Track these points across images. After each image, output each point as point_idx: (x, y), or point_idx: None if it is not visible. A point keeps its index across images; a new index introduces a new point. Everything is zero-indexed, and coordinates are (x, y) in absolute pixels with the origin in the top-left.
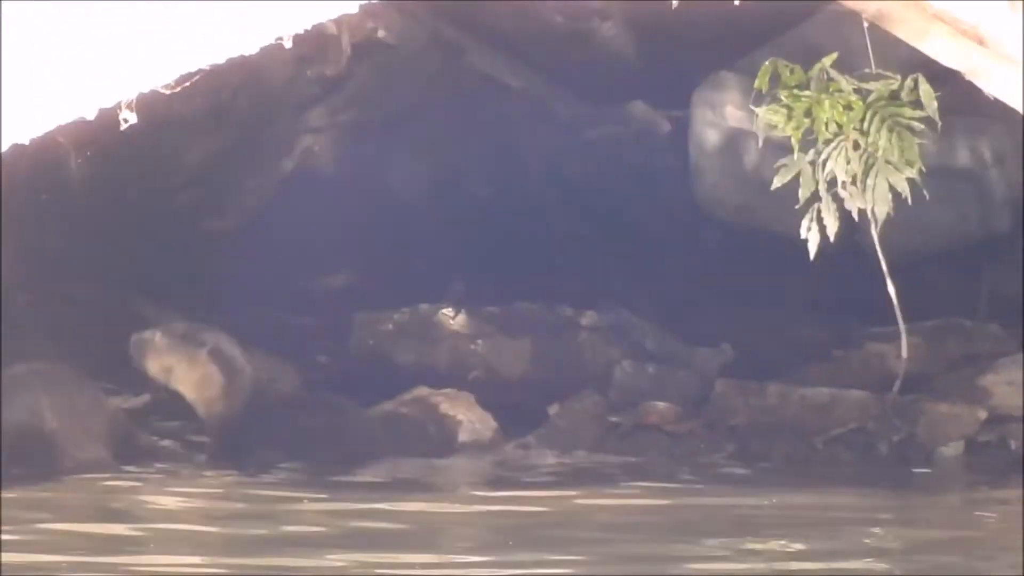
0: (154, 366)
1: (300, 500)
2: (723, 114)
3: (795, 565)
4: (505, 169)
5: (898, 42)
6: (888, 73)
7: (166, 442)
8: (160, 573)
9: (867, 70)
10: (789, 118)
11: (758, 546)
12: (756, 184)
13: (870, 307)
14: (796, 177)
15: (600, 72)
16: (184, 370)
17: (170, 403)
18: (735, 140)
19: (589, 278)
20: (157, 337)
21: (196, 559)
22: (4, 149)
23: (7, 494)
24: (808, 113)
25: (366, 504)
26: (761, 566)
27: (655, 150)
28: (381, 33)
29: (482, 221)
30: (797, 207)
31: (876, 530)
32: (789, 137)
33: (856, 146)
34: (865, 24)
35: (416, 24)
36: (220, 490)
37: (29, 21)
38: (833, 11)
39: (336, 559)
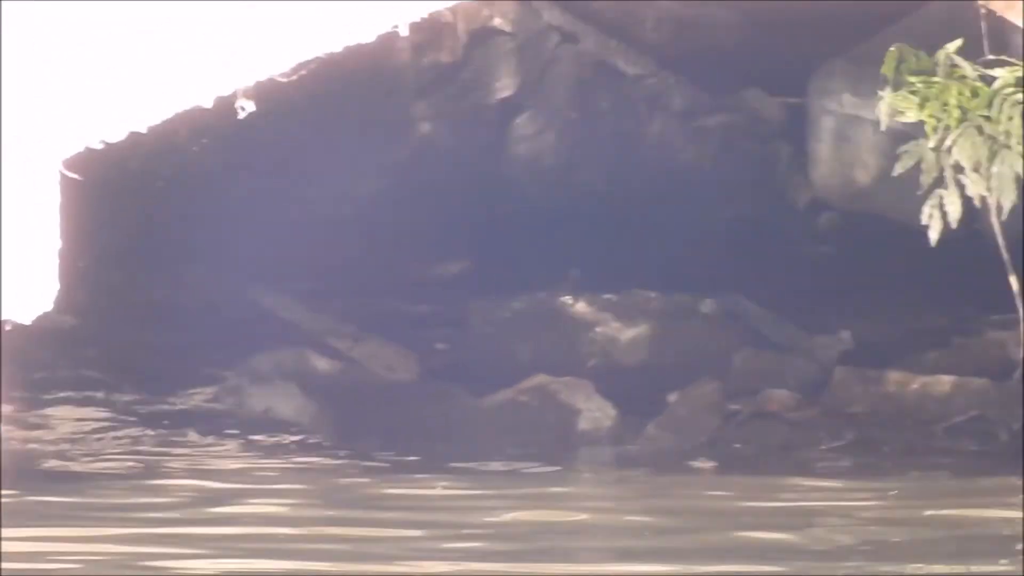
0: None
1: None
2: (839, 101)
3: None
4: (620, 156)
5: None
6: (1012, 60)
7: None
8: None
9: (989, 56)
10: (922, 105)
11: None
12: (873, 171)
13: (990, 295)
14: (917, 164)
15: (714, 59)
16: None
17: None
18: (851, 127)
19: (706, 265)
20: None
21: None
22: (123, 137)
23: None
24: (936, 98)
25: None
26: None
27: (770, 137)
28: (496, 21)
29: (598, 208)
30: (919, 193)
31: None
32: (904, 124)
33: (980, 132)
34: (982, 11)
35: (530, 11)
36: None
37: (145, 12)
38: None
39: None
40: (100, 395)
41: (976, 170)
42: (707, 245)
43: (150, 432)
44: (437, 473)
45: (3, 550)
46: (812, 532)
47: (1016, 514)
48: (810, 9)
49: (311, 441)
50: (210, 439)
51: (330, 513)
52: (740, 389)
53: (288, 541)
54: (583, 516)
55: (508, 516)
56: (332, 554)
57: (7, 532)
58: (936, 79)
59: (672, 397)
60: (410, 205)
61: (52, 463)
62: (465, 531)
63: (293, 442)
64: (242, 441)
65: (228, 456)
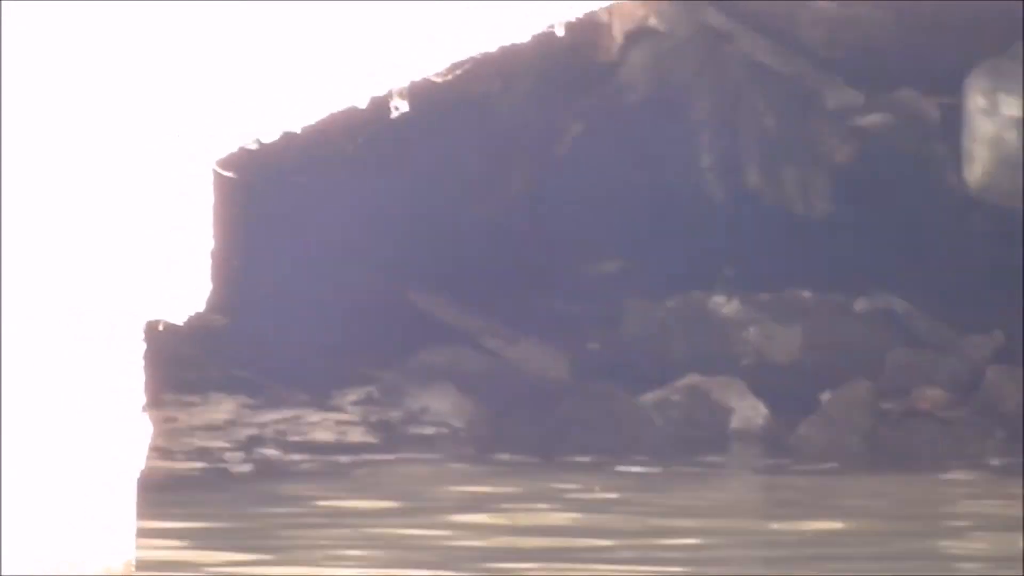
0: None
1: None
2: (996, 101)
3: None
4: (772, 156)
5: None
6: None
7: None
8: None
9: None
10: None
11: None
12: None
13: None
14: None
15: (868, 59)
16: None
17: None
18: (1007, 127)
19: (859, 264)
20: None
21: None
22: (276, 137)
23: None
24: None
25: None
26: None
27: (924, 137)
28: (652, 21)
29: (751, 207)
30: None
31: None
32: None
33: None
34: None
35: (685, 11)
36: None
37: (300, 11)
38: None
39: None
40: (250, 396)
41: None
42: (860, 244)
43: (309, 431)
44: (609, 474)
45: None
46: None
47: None
48: (965, 8)
49: (469, 440)
50: (374, 439)
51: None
52: (893, 388)
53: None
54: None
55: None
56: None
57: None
58: None
59: (825, 396)
60: (563, 204)
61: (242, 465)
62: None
63: (458, 442)
64: (404, 441)
65: (404, 460)
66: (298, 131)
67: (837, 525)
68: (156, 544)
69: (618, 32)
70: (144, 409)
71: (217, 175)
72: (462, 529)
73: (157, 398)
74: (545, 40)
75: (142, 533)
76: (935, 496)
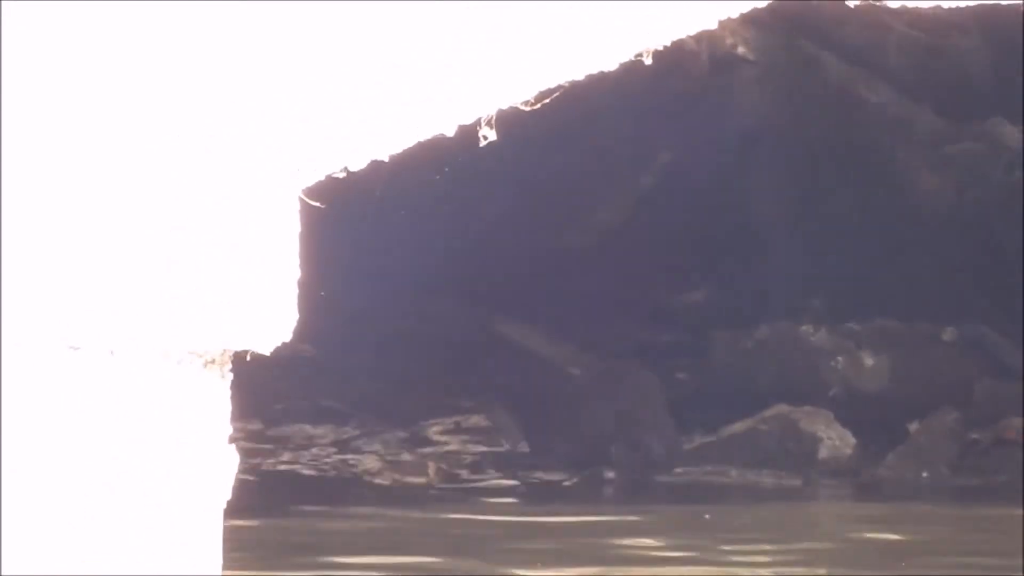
0: None
1: None
2: None
3: None
4: (862, 184)
5: None
6: None
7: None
8: None
9: None
10: None
11: None
12: None
13: None
14: None
15: (957, 87)
16: None
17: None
18: None
19: (949, 293)
20: None
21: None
22: (363, 166)
23: None
24: None
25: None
26: None
27: (1013, 166)
28: (740, 49)
29: (840, 236)
30: None
31: None
32: None
33: None
34: None
35: (774, 39)
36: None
37: (385, 41)
38: None
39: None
40: (341, 425)
41: None
42: (949, 273)
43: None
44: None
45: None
46: None
47: None
48: None
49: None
50: (491, 473)
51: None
52: (980, 418)
53: None
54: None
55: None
56: None
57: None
58: None
59: (913, 426)
60: (652, 233)
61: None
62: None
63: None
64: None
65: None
66: (386, 159)
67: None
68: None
69: (705, 59)
70: (230, 439)
71: (304, 203)
72: None
73: (244, 428)
74: (632, 68)
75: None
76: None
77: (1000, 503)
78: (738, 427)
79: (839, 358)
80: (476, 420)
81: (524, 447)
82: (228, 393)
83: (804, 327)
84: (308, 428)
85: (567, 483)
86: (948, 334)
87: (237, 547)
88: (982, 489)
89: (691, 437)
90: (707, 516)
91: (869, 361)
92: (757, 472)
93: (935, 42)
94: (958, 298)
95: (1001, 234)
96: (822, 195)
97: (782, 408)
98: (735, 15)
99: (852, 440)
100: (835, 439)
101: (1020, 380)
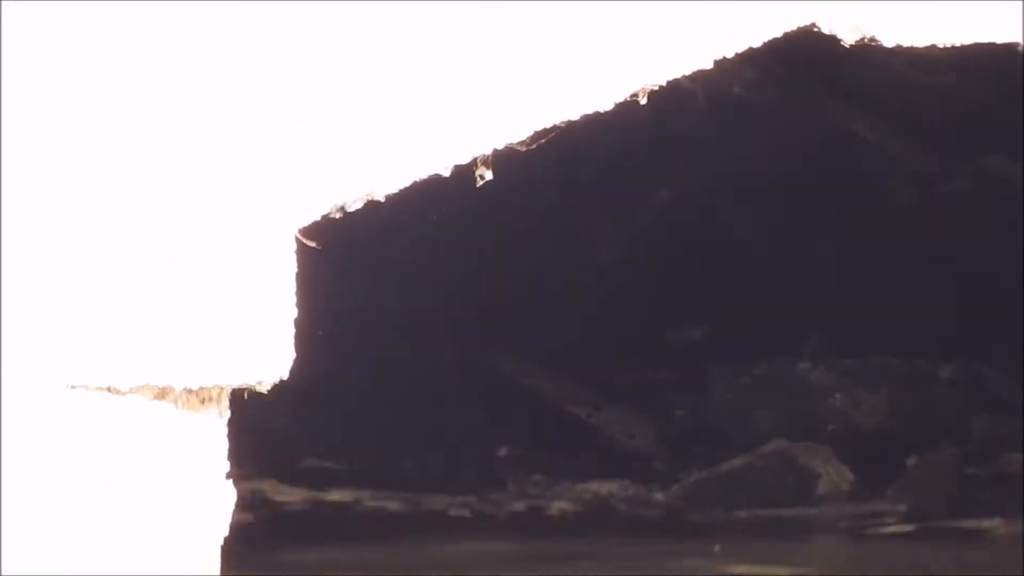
0: None
1: None
2: None
3: None
4: (860, 220)
5: None
6: None
7: None
8: None
9: None
10: None
11: None
12: None
13: None
14: None
15: (953, 124)
16: None
17: None
18: None
19: (945, 330)
20: None
21: None
22: (359, 206)
23: None
24: None
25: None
26: None
27: (1011, 205)
28: (736, 89)
29: (834, 274)
30: None
31: None
32: None
33: None
34: None
35: (771, 79)
36: None
37: (381, 76)
38: None
39: None
40: (335, 464)
41: None
42: (945, 311)
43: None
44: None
45: None
46: None
47: None
48: None
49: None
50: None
51: None
52: (979, 454)
53: None
54: None
55: None
56: None
57: None
58: None
59: (911, 461)
60: (649, 272)
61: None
62: None
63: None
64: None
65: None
66: (382, 199)
67: None
68: None
69: (702, 100)
70: (228, 477)
71: (300, 244)
72: None
73: (241, 466)
74: (628, 108)
75: None
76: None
77: (999, 543)
78: (736, 463)
79: (837, 395)
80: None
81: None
82: (225, 431)
83: (802, 364)
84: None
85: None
86: (946, 370)
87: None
88: (981, 524)
89: (688, 472)
90: (716, 548)
91: (867, 397)
92: (755, 507)
93: (932, 81)
94: (955, 334)
95: (998, 270)
96: (819, 232)
97: (780, 444)
98: (731, 55)
99: (850, 476)
100: (833, 474)
101: (1019, 415)
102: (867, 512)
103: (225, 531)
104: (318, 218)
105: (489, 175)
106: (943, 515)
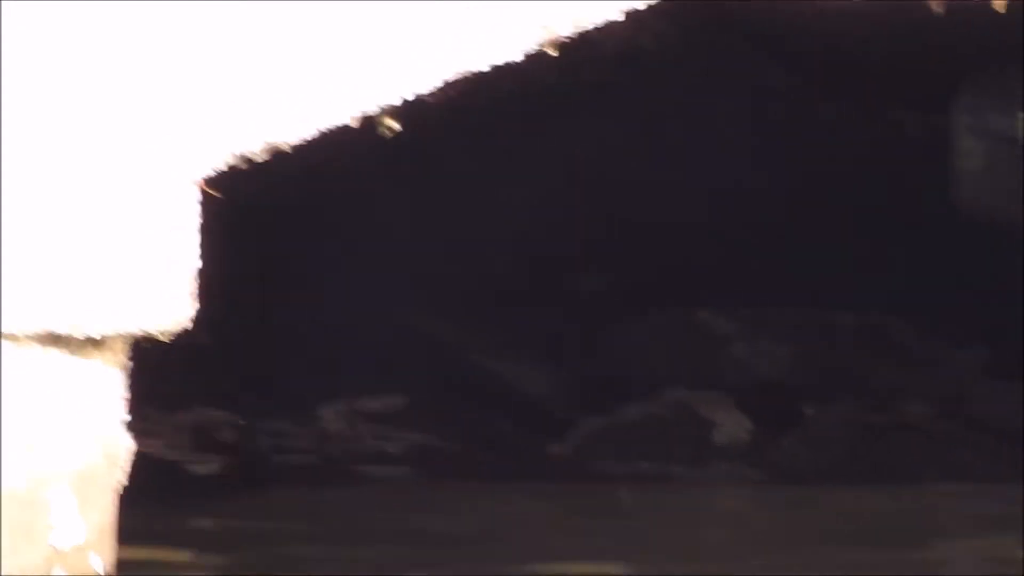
0: None
1: None
2: (985, 120)
3: None
4: (757, 171)
5: None
6: None
7: None
8: None
9: None
10: None
11: None
12: (1019, 191)
13: None
14: None
15: (856, 75)
16: None
17: None
18: (998, 146)
19: (844, 279)
20: None
21: None
22: (266, 155)
23: None
24: None
25: None
26: None
27: (911, 155)
28: (645, 39)
29: (738, 222)
30: None
31: None
32: None
33: None
34: None
35: (681, 29)
36: None
37: (289, 24)
38: None
39: None
40: (230, 413)
41: None
42: (847, 260)
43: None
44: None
45: None
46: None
47: None
48: (957, 24)
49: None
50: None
51: None
52: (879, 403)
53: None
54: None
55: None
56: None
57: None
58: None
59: (810, 411)
60: (554, 222)
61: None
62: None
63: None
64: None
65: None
66: (288, 149)
67: (818, 537)
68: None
69: (611, 51)
70: (126, 425)
71: (204, 194)
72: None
73: (140, 412)
74: (537, 59)
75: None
76: (921, 509)
77: (900, 485)
78: (635, 411)
79: (737, 344)
80: (373, 404)
81: (420, 429)
82: (125, 379)
83: (702, 313)
84: (207, 411)
85: (461, 458)
86: (847, 320)
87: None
88: (881, 472)
89: (587, 420)
90: (622, 497)
91: (766, 346)
92: (653, 456)
93: (834, 28)
94: (856, 284)
95: (899, 221)
96: (724, 182)
97: (680, 392)
98: (642, 7)
99: (749, 425)
100: (732, 424)
101: (918, 365)
102: (767, 462)
103: (123, 480)
104: (223, 168)
105: (396, 126)
106: (844, 465)
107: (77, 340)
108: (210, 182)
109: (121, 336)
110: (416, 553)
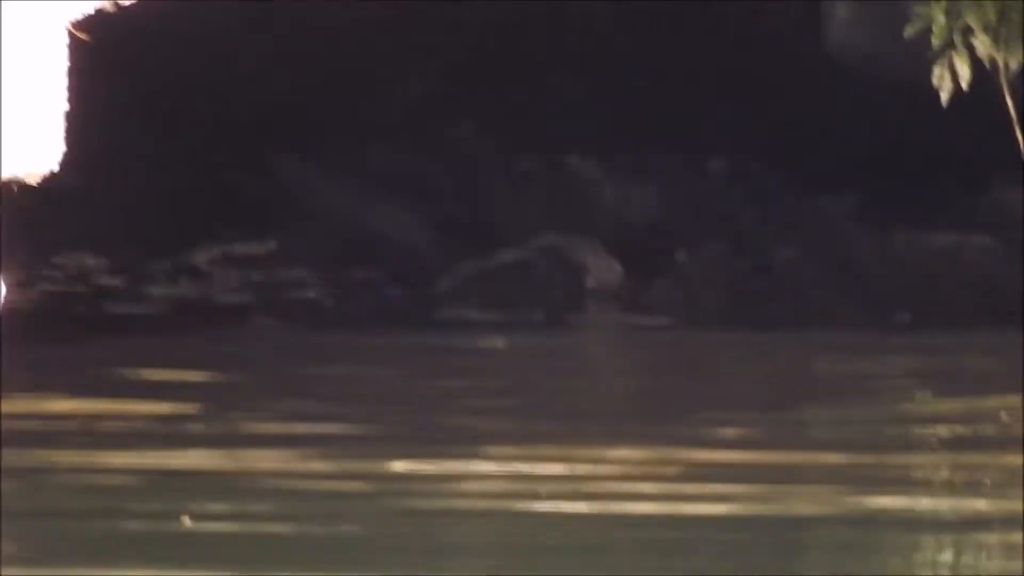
0: None
1: None
2: None
3: None
4: (622, 20)
5: None
6: None
7: None
8: None
9: None
10: None
11: None
12: (887, 33)
13: (998, 157)
14: (929, 26)
15: None
16: None
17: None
18: None
19: (717, 126)
20: None
21: None
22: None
23: None
24: None
25: None
26: None
27: (782, 4)
28: None
29: (607, 70)
30: (930, 55)
31: None
32: None
33: None
34: None
35: None
36: None
37: None
38: None
39: None
40: (104, 257)
41: (985, 31)
42: (716, 106)
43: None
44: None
45: None
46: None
47: None
48: None
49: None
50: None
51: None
52: (748, 247)
53: None
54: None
55: None
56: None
57: None
58: None
59: (680, 255)
60: (422, 67)
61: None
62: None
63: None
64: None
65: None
66: None
67: (687, 380)
68: None
69: None
70: None
71: (72, 37)
72: None
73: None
74: None
75: None
76: (790, 353)
77: (769, 329)
78: (506, 256)
79: (608, 188)
80: (244, 249)
81: (289, 272)
82: None
83: (572, 158)
84: (79, 257)
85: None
86: (715, 165)
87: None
88: (750, 316)
89: (460, 266)
90: (496, 342)
91: (637, 191)
92: (525, 301)
93: None
94: (727, 130)
95: (769, 66)
96: (578, 37)
97: (550, 238)
98: None
99: (619, 269)
100: (602, 268)
101: (786, 209)
102: (638, 306)
103: None
104: (91, 11)
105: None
106: (714, 309)
107: None
108: (80, 25)
109: None
110: (294, 399)
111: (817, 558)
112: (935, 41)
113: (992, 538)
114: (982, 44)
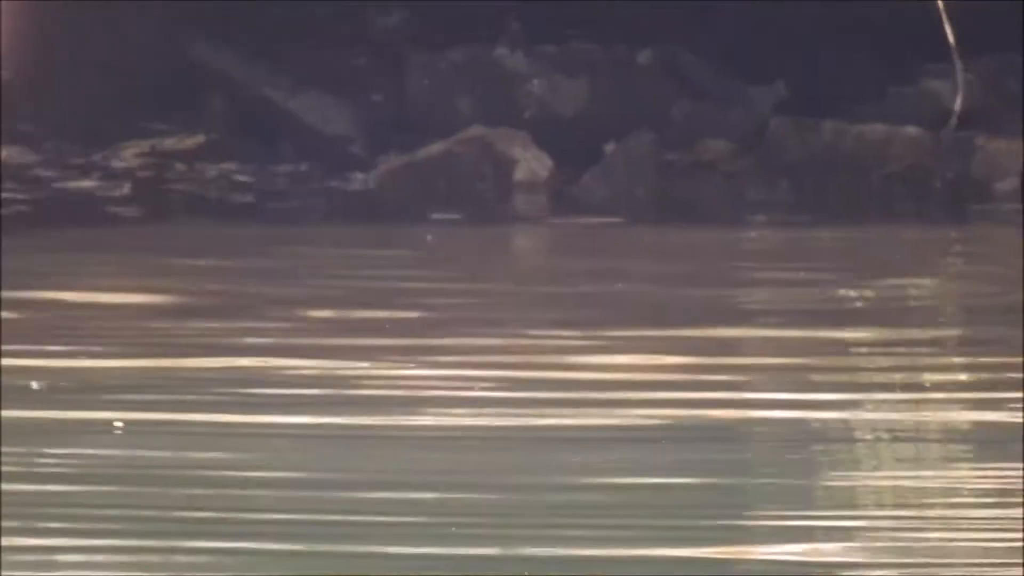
0: None
1: None
2: None
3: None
4: None
5: None
6: None
7: None
8: None
9: None
10: None
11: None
12: None
13: (926, 43)
14: None
15: None
16: None
17: None
18: None
19: (644, 15)
20: None
21: None
22: None
23: None
24: None
25: None
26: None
27: None
28: None
29: None
30: None
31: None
32: None
33: None
34: None
35: None
36: None
37: None
38: None
39: None
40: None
41: None
42: None
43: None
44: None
45: None
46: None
47: None
48: None
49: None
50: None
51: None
52: (677, 140)
53: None
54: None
55: None
56: None
57: None
58: None
59: (609, 148)
60: None
61: None
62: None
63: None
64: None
65: None
66: None
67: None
68: None
69: None
70: None
71: None
72: None
73: None
74: None
75: None
76: (722, 246)
77: (699, 223)
78: (434, 149)
79: (535, 81)
80: (171, 143)
81: (227, 167)
82: None
83: (500, 49)
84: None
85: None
86: (644, 56)
87: None
88: (680, 209)
89: (387, 158)
90: (429, 237)
91: (565, 83)
92: (453, 194)
93: None
94: (654, 21)
95: None
96: None
97: (478, 130)
98: None
99: (549, 162)
100: (531, 160)
101: (715, 101)
102: (567, 198)
103: None
104: None
105: None
106: (643, 202)
107: None
108: None
109: None
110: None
111: None
112: None
113: None
114: None
